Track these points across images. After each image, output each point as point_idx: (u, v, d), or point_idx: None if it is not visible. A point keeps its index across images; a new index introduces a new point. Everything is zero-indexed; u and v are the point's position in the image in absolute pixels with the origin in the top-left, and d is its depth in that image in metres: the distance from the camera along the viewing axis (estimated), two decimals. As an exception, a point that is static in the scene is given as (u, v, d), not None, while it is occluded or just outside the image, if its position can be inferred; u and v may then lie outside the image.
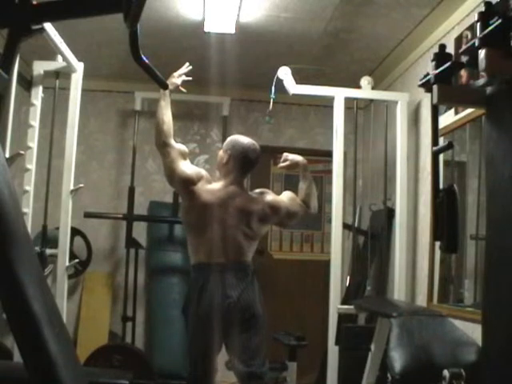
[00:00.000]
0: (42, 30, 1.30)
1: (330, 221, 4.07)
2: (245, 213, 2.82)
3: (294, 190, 3.07)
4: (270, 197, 2.92)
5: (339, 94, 3.89)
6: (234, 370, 2.84)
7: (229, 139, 3.01)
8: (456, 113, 3.26)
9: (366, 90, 4.04)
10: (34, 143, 3.29)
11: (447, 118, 3.31)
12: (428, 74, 1.90)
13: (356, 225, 4.43)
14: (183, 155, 2.90)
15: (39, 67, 3.41)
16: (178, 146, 2.89)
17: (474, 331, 2.60)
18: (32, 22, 1.25)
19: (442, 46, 1.92)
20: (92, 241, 4.74)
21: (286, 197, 2.97)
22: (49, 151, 3.65)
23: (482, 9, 1.65)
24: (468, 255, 3.18)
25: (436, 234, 1.93)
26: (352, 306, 3.59)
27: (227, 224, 2.79)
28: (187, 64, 3.09)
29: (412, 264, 3.88)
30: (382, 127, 4.24)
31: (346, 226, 4.18)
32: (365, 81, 4.04)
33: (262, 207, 2.85)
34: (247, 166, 2.91)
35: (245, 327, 2.74)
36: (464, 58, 1.77)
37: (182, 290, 4.81)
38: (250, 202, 2.86)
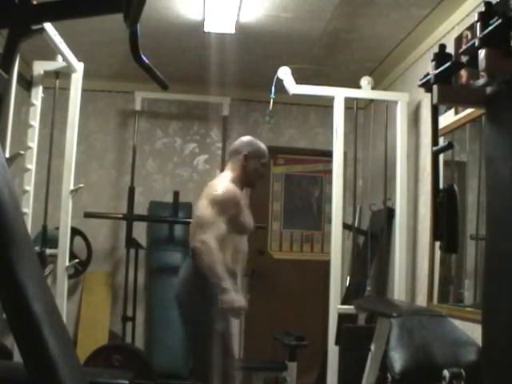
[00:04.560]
0: (42, 29, 1.30)
1: (330, 221, 4.06)
2: None
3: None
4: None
5: (339, 94, 3.89)
6: None
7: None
8: (456, 113, 3.26)
9: (366, 90, 4.04)
10: (34, 143, 3.29)
11: (447, 118, 3.31)
12: (428, 74, 1.90)
13: (356, 225, 4.43)
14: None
15: (39, 67, 3.42)
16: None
17: (474, 331, 2.60)
18: (32, 22, 1.25)
19: (442, 46, 1.92)
20: (92, 241, 4.74)
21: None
22: (49, 151, 3.65)
23: (482, 9, 1.65)
24: (468, 255, 3.18)
25: (436, 234, 1.93)
26: (352, 306, 3.59)
27: None
28: None
29: (412, 264, 3.88)
30: (382, 127, 4.24)
31: (346, 226, 4.18)
32: (365, 81, 4.04)
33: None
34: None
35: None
36: (464, 58, 1.77)
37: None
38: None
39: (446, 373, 2.19)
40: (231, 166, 3.09)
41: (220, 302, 2.65)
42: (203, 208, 2.83)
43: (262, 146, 3.13)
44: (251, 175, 3.07)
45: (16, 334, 0.96)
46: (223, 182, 2.97)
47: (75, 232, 4.41)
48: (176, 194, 4.90)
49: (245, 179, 3.05)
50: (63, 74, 3.54)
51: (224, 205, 2.83)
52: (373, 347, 3.22)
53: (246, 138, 3.17)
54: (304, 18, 3.74)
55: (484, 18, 1.61)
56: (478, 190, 3.02)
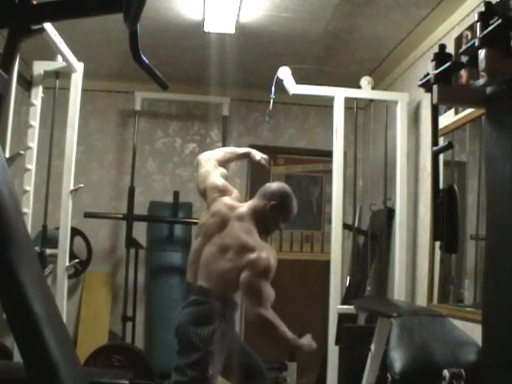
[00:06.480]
0: (42, 29, 1.30)
1: (330, 221, 4.07)
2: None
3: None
4: None
5: (339, 94, 3.89)
6: None
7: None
8: (456, 113, 3.26)
9: (366, 90, 4.04)
10: (34, 143, 3.29)
11: (447, 118, 3.31)
12: (428, 74, 1.90)
13: (356, 225, 4.43)
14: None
15: (39, 67, 3.42)
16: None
17: (473, 331, 2.60)
18: (32, 22, 1.25)
19: (442, 46, 1.92)
20: (92, 241, 4.74)
21: None
22: (49, 151, 3.65)
23: (482, 9, 1.65)
24: (468, 255, 3.18)
25: (436, 234, 1.93)
26: (352, 306, 3.59)
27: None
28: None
29: (412, 264, 3.88)
30: (382, 127, 4.24)
31: (346, 226, 4.18)
32: (365, 81, 4.04)
33: None
34: None
35: None
36: (464, 58, 1.77)
37: (181, 290, 4.82)
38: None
39: (446, 373, 2.19)
40: (255, 205, 2.79)
41: (302, 346, 2.88)
42: (256, 280, 2.61)
43: (295, 204, 2.84)
44: (267, 226, 2.83)
45: (16, 334, 0.96)
46: (258, 241, 2.69)
47: (75, 232, 4.41)
48: (176, 194, 4.90)
49: (261, 226, 2.77)
50: (63, 74, 3.54)
51: (271, 274, 2.67)
52: (373, 347, 3.22)
53: (283, 188, 2.85)
54: (304, 18, 3.74)
55: (484, 17, 1.61)
56: (478, 190, 3.03)
